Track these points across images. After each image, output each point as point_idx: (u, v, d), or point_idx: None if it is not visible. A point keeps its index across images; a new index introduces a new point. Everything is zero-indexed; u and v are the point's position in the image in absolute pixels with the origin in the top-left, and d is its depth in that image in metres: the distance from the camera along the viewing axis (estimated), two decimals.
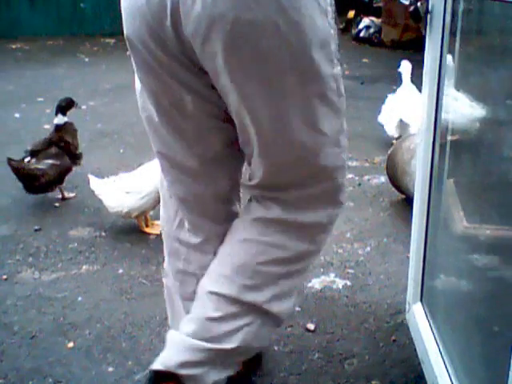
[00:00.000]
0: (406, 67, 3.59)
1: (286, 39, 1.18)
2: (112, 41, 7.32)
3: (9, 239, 2.57)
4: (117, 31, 7.61)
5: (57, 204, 2.91)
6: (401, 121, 3.39)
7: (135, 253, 2.46)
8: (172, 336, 1.44)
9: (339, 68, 1.31)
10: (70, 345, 1.89)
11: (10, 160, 2.74)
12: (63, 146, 2.91)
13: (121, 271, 2.32)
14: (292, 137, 1.29)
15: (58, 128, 2.97)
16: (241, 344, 1.38)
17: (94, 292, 2.18)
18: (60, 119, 2.98)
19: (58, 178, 2.87)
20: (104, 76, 5.61)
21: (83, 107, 3.24)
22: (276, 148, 1.31)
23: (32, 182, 2.79)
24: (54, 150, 2.88)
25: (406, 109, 3.43)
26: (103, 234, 2.62)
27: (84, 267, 2.35)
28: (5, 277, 2.28)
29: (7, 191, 3.06)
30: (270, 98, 1.24)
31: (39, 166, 2.79)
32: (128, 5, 1.26)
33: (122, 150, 3.68)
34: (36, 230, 2.64)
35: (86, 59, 6.40)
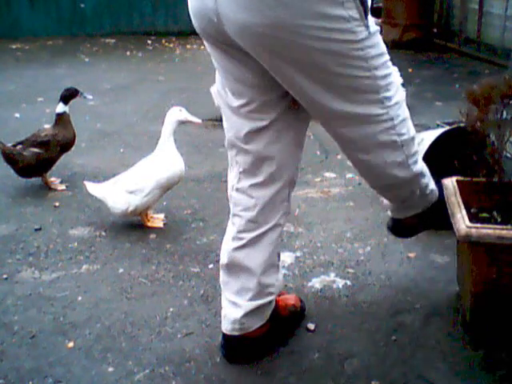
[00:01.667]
0: None
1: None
2: (112, 41, 7.32)
3: (9, 239, 2.57)
4: (117, 31, 7.70)
5: (57, 203, 2.91)
6: None
7: (135, 252, 2.46)
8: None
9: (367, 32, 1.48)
10: (70, 344, 1.89)
11: None
12: (46, 139, 3.01)
13: (121, 271, 2.32)
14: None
15: (57, 117, 3.06)
16: None
17: (94, 291, 2.18)
18: (60, 108, 3.05)
19: (38, 166, 3.02)
20: (104, 76, 5.61)
21: (89, 97, 3.27)
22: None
23: (13, 165, 3.00)
24: (41, 140, 3.00)
25: None
26: (103, 233, 2.62)
27: (84, 267, 2.35)
28: (5, 276, 2.28)
29: (7, 191, 3.07)
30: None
31: (23, 152, 2.97)
32: (191, 6, 1.56)
33: (121, 150, 3.68)
34: (36, 230, 2.64)
35: (86, 59, 6.41)
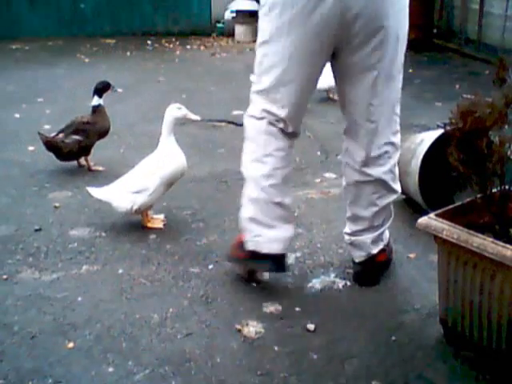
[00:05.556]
0: None
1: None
2: (112, 41, 7.33)
3: (9, 239, 2.57)
4: (117, 32, 7.69)
5: (57, 204, 2.91)
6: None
7: (135, 253, 2.46)
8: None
9: None
10: (70, 345, 1.89)
11: (40, 134, 3.22)
12: (86, 127, 3.27)
13: (121, 271, 2.32)
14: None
15: (94, 109, 3.32)
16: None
17: (94, 292, 2.18)
18: (95, 101, 3.31)
19: (79, 151, 3.29)
20: (104, 77, 5.54)
21: (119, 90, 3.61)
22: None
23: (57, 152, 3.26)
24: (81, 128, 3.25)
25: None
26: (103, 234, 2.62)
27: (84, 267, 2.35)
28: (5, 277, 2.28)
29: (7, 191, 3.06)
30: None
31: (65, 140, 3.22)
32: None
33: (122, 150, 3.68)
34: (36, 230, 2.64)
35: (86, 60, 6.41)
